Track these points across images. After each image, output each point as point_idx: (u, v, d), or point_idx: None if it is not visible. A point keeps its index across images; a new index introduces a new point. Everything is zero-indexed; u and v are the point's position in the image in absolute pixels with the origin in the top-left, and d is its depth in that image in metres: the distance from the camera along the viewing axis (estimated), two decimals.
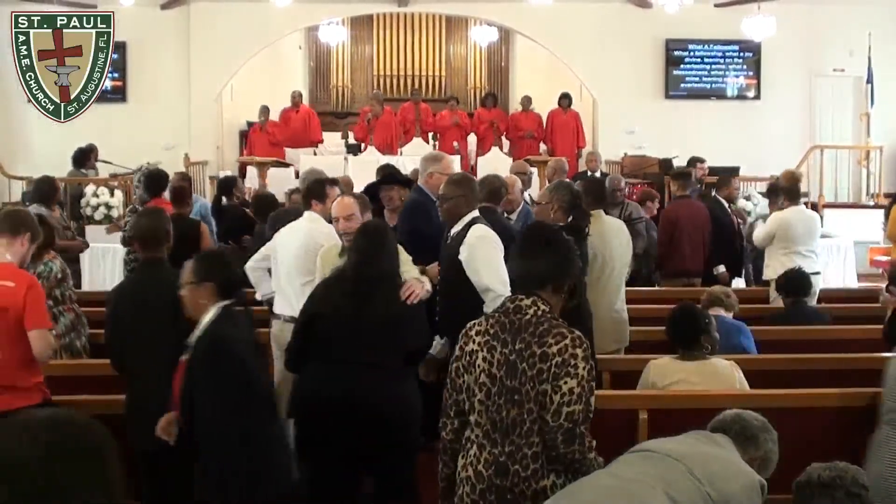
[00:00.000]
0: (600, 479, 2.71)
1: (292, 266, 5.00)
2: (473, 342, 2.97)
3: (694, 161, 9.90)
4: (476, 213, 4.56)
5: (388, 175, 6.18)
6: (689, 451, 2.73)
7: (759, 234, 7.54)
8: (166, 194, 7.29)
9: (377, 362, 3.83)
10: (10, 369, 3.96)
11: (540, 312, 2.92)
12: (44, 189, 7.29)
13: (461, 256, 4.34)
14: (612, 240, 5.44)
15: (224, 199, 8.51)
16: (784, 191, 7.63)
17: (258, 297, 5.52)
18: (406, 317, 3.93)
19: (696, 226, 7.72)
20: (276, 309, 5.10)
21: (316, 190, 5.34)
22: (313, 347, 3.93)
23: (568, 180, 6.43)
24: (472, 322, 3.04)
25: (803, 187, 12.64)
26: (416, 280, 4.08)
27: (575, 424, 2.83)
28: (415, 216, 5.36)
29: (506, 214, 6.24)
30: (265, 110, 13.86)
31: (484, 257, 4.32)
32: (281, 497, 3.62)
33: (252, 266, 5.43)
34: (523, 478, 2.84)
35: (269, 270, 5.31)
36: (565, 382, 2.83)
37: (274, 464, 3.61)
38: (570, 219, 5.02)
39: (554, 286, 2.99)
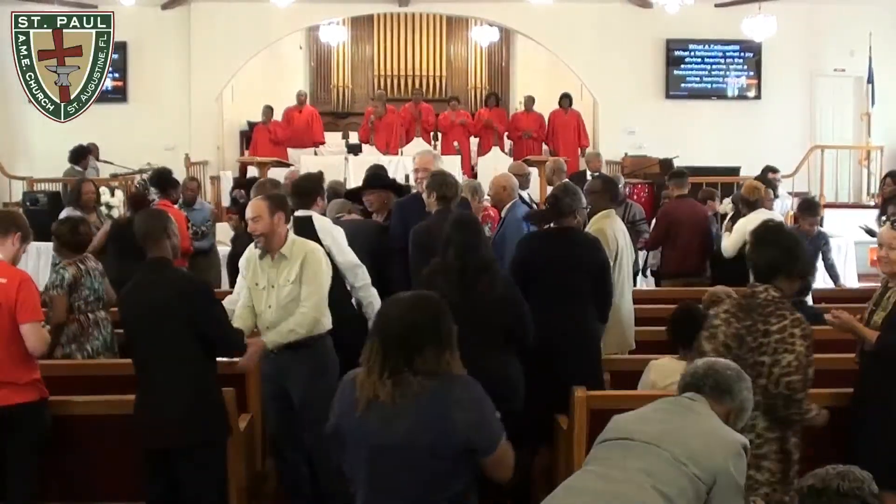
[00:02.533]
0: (588, 482, 2.72)
1: None
2: (720, 318, 3.66)
3: (766, 170, 9.45)
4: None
5: (371, 178, 6.41)
6: (668, 431, 2.73)
7: (726, 244, 7.45)
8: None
9: (480, 342, 4.02)
10: (5, 365, 3.99)
11: (770, 297, 3.57)
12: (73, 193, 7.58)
13: (326, 242, 4.89)
14: (621, 239, 5.46)
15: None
16: (743, 202, 7.56)
17: None
18: (506, 300, 4.33)
19: (692, 226, 7.69)
20: None
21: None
22: None
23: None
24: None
25: (804, 187, 12.75)
26: None
27: (793, 392, 3.42)
28: (402, 214, 5.74)
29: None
30: (267, 110, 13.91)
31: (343, 243, 5.08)
32: None
33: None
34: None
35: None
36: (784, 357, 3.42)
37: None
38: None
39: (785, 274, 3.60)
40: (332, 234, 5.11)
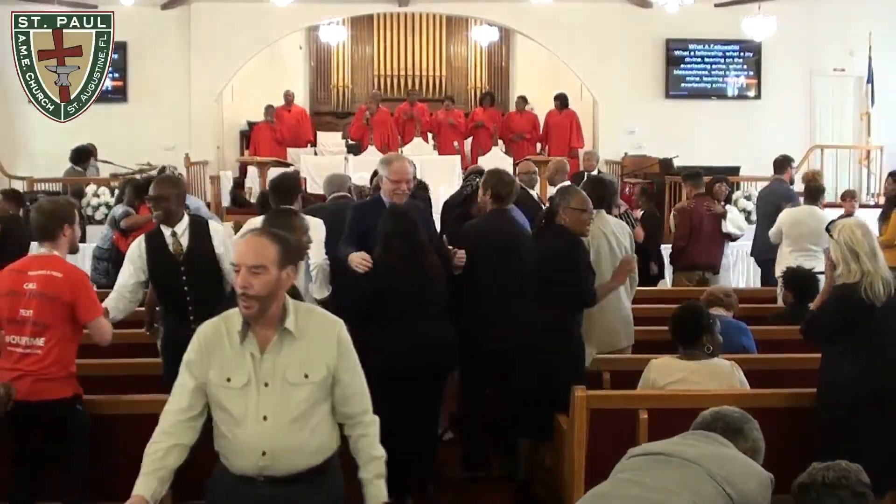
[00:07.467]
0: (625, 488, 2.69)
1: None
2: None
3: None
4: (186, 215, 4.80)
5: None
6: (703, 453, 2.72)
7: (771, 231, 7.99)
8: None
9: (436, 314, 4.85)
10: (51, 358, 3.99)
11: None
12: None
13: (218, 250, 4.75)
14: (613, 238, 5.44)
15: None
16: (805, 191, 8.28)
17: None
18: (441, 276, 4.94)
19: (712, 222, 8.25)
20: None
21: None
22: (377, 309, 4.75)
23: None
24: None
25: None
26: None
27: None
28: (357, 218, 5.44)
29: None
30: (270, 109, 13.93)
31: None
32: None
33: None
34: None
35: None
36: None
37: None
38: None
39: None
40: (227, 242, 4.84)
